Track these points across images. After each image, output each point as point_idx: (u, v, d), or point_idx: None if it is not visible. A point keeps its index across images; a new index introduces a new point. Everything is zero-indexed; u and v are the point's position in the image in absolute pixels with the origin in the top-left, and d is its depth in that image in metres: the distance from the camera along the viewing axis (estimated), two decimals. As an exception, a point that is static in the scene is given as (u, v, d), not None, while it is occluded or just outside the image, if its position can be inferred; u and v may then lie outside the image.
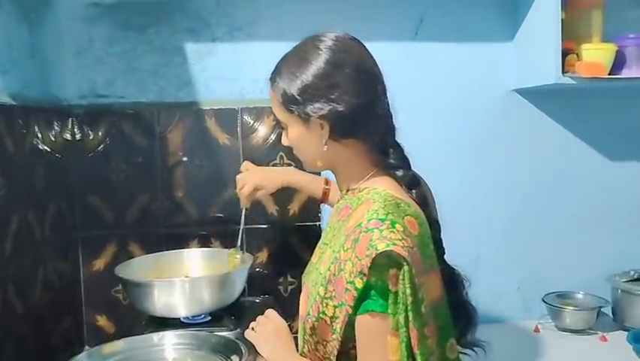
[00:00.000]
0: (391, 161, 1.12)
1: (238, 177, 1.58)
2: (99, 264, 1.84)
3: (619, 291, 1.87)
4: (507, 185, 1.97)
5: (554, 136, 1.97)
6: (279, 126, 1.81)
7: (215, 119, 1.84)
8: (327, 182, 1.57)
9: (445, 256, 1.17)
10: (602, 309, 1.88)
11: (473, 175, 1.95)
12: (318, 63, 1.08)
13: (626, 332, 1.78)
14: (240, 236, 1.61)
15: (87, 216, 1.83)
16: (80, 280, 1.84)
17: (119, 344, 1.24)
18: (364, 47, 1.13)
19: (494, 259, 1.96)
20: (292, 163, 1.86)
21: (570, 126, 1.97)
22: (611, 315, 1.93)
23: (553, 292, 1.94)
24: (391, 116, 1.14)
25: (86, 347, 1.84)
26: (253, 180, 1.55)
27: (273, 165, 1.86)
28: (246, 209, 1.60)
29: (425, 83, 1.88)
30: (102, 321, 1.86)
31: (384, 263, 0.98)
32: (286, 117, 1.13)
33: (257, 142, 1.86)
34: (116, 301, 1.84)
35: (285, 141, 1.18)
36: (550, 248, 1.99)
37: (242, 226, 1.60)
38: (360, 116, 1.09)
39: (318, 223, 1.89)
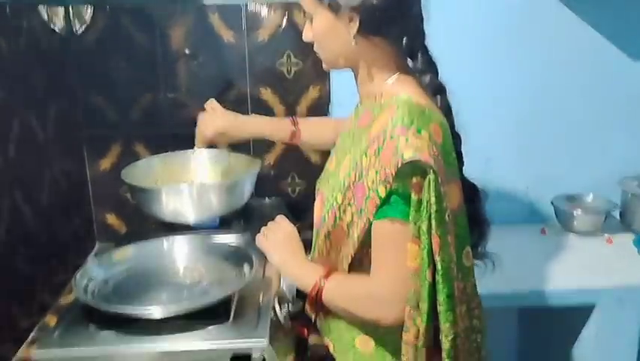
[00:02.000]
0: (418, 65, 1.08)
1: (200, 116, 1.49)
2: (105, 164, 1.83)
3: (629, 194, 1.85)
4: (520, 82, 1.89)
5: (573, 30, 1.85)
6: (286, 12, 1.73)
7: (219, 14, 1.74)
8: (294, 122, 1.48)
9: (463, 168, 1.15)
10: (611, 212, 1.89)
11: (485, 71, 1.86)
12: None
13: (634, 236, 1.79)
14: None
15: (90, 115, 1.79)
16: (87, 180, 1.84)
17: (129, 250, 1.24)
18: None
19: (504, 158, 1.93)
20: (300, 62, 1.79)
21: (590, 19, 1.84)
22: (619, 218, 1.93)
23: (562, 194, 1.92)
24: (423, 19, 1.08)
25: (97, 244, 1.87)
26: (217, 125, 1.46)
27: (278, 64, 1.79)
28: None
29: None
30: (112, 219, 1.88)
31: (409, 171, 0.97)
32: (314, 6, 1.07)
33: (263, 40, 1.77)
34: (124, 200, 1.84)
35: (307, 35, 1.12)
36: (562, 148, 1.95)
37: None
38: (394, 12, 1.03)
39: (326, 124, 1.84)
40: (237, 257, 1.23)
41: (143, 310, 1.05)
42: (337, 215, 1.07)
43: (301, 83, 1.81)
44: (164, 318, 1.03)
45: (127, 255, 1.23)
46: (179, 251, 1.28)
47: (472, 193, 1.16)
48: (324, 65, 1.17)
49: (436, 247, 0.99)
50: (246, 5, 1.73)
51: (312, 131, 1.50)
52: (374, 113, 1.09)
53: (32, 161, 1.42)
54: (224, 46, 1.76)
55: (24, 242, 1.34)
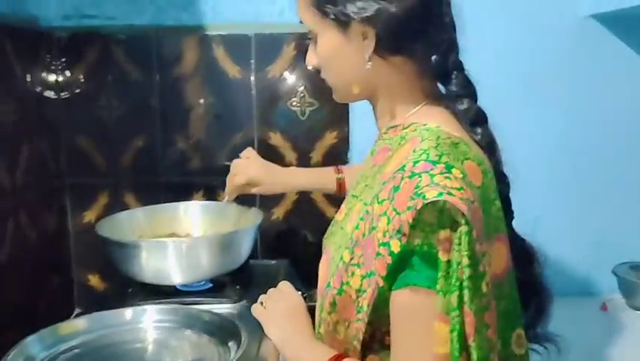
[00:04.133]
0: (452, 88, 0.85)
1: (234, 162, 1.34)
2: (90, 216, 1.61)
3: None
4: (577, 131, 1.64)
5: (636, 70, 1.62)
6: (301, 45, 1.54)
7: (224, 46, 1.55)
8: (338, 170, 1.32)
9: (512, 222, 0.91)
10: (686, 284, 1.59)
11: (537, 117, 1.63)
12: None
13: None
14: None
15: (75, 161, 1.59)
16: (68, 235, 1.61)
17: (80, 323, 0.98)
18: None
19: (556, 221, 1.65)
20: (315, 102, 1.58)
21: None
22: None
23: (626, 263, 1.64)
24: (455, 29, 0.87)
25: (77, 310, 1.63)
26: (250, 173, 1.32)
27: (290, 104, 1.57)
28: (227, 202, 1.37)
29: (489, 6, 1.55)
30: (94, 281, 1.65)
31: (433, 220, 0.72)
32: (318, 22, 0.87)
33: (273, 75, 1.56)
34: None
35: (311, 60, 0.92)
36: (623, 209, 1.68)
37: None
38: (418, 23, 0.82)
39: (345, 175, 1.60)
40: (222, 332, 0.95)
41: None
42: (344, 279, 0.82)
43: (316, 126, 1.59)
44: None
45: (78, 328, 0.96)
46: (148, 323, 1.00)
47: (526, 255, 0.93)
48: (334, 96, 0.95)
49: (469, 329, 0.72)
50: (255, 35, 1.54)
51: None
52: (393, 146, 0.86)
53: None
54: (229, 82, 1.56)
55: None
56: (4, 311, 1.20)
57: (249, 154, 1.36)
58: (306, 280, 1.34)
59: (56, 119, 1.54)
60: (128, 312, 1.01)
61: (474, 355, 0.72)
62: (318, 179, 1.33)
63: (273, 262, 1.57)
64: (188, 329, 0.99)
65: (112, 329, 0.98)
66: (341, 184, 1.30)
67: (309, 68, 0.94)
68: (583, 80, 1.62)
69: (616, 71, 1.62)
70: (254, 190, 1.32)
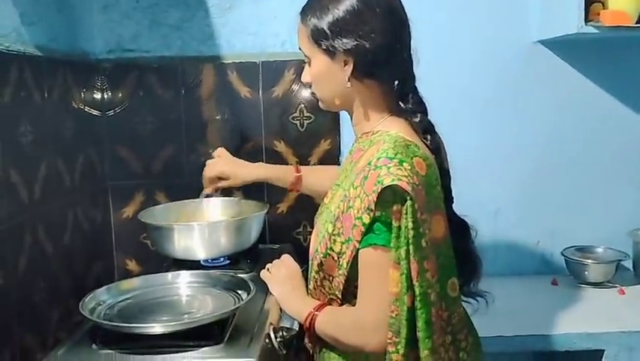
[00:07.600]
0: (409, 106, 1.14)
1: (208, 162, 1.60)
2: (128, 211, 1.93)
3: (640, 245, 1.85)
4: (529, 137, 1.95)
5: (579, 88, 1.93)
6: (299, 70, 1.82)
7: (237, 72, 1.88)
8: (297, 169, 1.58)
9: (453, 206, 1.20)
10: (623, 263, 1.88)
11: (495, 127, 1.94)
12: (351, 0, 1.10)
13: (645, 286, 1.78)
14: None
15: (116, 166, 1.92)
16: (110, 227, 1.94)
17: (135, 281, 1.31)
18: None
19: (514, 212, 1.96)
20: (312, 116, 1.90)
21: (595, 78, 1.93)
22: (631, 269, 1.91)
23: (573, 246, 1.93)
24: (413, 63, 1.17)
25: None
26: (218, 169, 1.57)
27: (291, 118, 1.90)
28: (207, 196, 1.65)
29: (448, 34, 1.88)
30: (131, 265, 1.97)
31: (389, 198, 1.02)
32: (312, 51, 1.15)
33: (277, 95, 1.89)
34: (145, 247, 1.93)
35: (306, 77, 1.21)
36: (571, 202, 1.98)
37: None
38: (385, 56, 1.11)
39: (337, 175, 1.91)
40: (237, 287, 1.28)
41: (143, 327, 1.10)
42: (328, 245, 1.12)
43: (313, 135, 1.91)
44: (162, 336, 1.08)
45: (134, 285, 1.30)
46: (183, 283, 1.34)
47: (461, 230, 1.20)
48: (320, 105, 1.25)
49: (414, 273, 1.02)
50: (262, 63, 1.87)
51: (314, 178, 1.59)
52: (364, 148, 1.16)
53: (57, 202, 1.52)
54: (241, 101, 1.89)
55: (43, 277, 1.42)
56: (62, 285, 1.51)
57: (220, 153, 1.60)
58: (304, 260, 1.65)
59: (102, 133, 1.88)
60: (168, 275, 1.36)
61: (417, 291, 1.03)
62: (278, 174, 1.58)
63: (277, 246, 1.87)
64: (212, 287, 1.32)
65: (156, 287, 1.32)
66: (298, 181, 1.56)
67: (304, 82, 1.22)
68: (532, 93, 1.92)
69: (559, 86, 1.92)
70: (224, 183, 1.57)
